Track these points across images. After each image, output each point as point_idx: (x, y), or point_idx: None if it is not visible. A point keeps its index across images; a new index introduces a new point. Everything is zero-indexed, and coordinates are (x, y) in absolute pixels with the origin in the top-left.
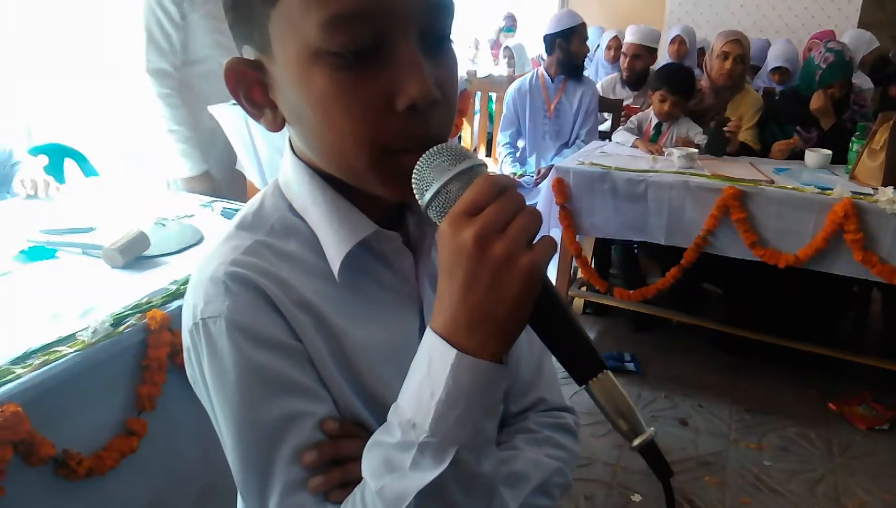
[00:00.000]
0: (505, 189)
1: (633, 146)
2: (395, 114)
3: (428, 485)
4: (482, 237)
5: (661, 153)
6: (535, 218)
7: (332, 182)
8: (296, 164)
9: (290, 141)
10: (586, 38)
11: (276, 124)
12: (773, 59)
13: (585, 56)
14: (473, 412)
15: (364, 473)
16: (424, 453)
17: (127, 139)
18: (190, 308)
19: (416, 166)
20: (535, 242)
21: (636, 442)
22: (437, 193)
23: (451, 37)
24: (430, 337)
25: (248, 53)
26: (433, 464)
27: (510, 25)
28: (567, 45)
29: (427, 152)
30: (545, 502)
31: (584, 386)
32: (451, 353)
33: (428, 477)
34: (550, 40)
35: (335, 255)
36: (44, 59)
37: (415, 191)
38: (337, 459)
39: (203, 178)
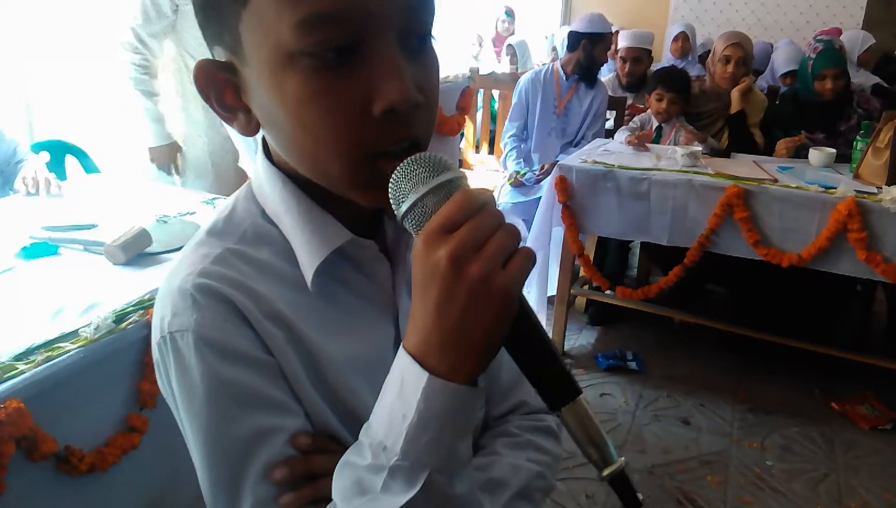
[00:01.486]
0: (483, 205)
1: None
2: (372, 118)
3: None
4: (457, 257)
5: (642, 143)
6: (513, 236)
7: (307, 187)
8: (268, 168)
9: (263, 143)
10: (610, 47)
11: (250, 129)
12: (783, 63)
13: (603, 64)
14: (446, 435)
15: (334, 494)
16: (395, 476)
17: (129, 136)
18: (158, 320)
19: (393, 176)
20: (512, 257)
21: (606, 472)
22: (414, 205)
23: (434, 34)
24: (402, 358)
25: (219, 55)
26: (404, 487)
27: (507, 10)
28: (591, 49)
29: (405, 161)
30: (527, 507)
31: (556, 413)
32: (423, 376)
33: (399, 501)
34: (576, 38)
35: (308, 264)
36: (45, 59)
37: (391, 200)
38: (308, 475)
39: (169, 148)
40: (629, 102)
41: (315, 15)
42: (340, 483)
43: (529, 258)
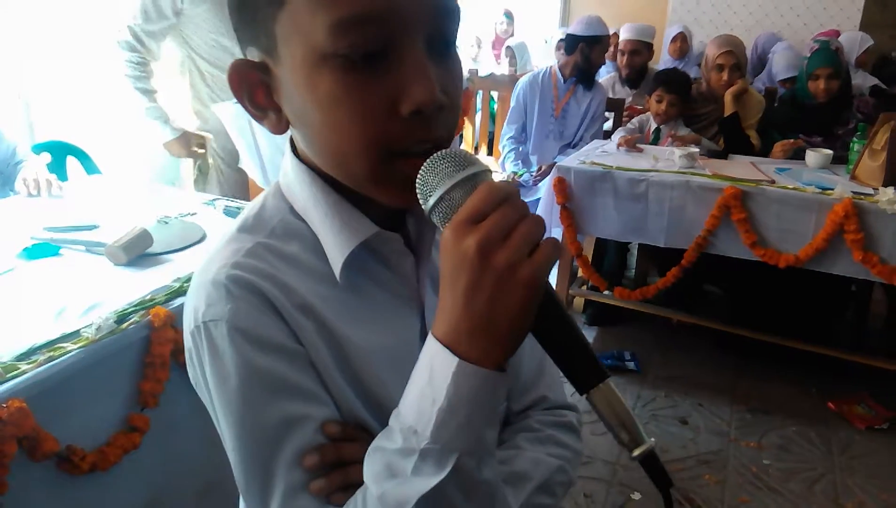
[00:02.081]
0: (508, 196)
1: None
2: (399, 118)
3: (429, 491)
4: (484, 246)
5: (632, 145)
6: (538, 226)
7: (334, 183)
8: (296, 165)
9: (291, 142)
10: (607, 49)
11: (280, 127)
12: (782, 70)
13: (601, 67)
14: (475, 420)
15: (366, 478)
16: (426, 459)
17: (130, 137)
18: (191, 310)
19: (420, 171)
20: (538, 246)
21: (636, 452)
22: (441, 199)
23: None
24: (431, 344)
25: (253, 55)
26: (434, 470)
27: (506, 13)
28: (588, 52)
29: (431, 157)
30: (548, 500)
31: (585, 396)
32: (453, 361)
33: (429, 483)
34: (574, 41)
35: (336, 256)
36: (45, 58)
37: (419, 196)
38: (338, 462)
39: (182, 138)
40: (628, 102)
41: (348, 17)
42: (371, 467)
43: (555, 247)
